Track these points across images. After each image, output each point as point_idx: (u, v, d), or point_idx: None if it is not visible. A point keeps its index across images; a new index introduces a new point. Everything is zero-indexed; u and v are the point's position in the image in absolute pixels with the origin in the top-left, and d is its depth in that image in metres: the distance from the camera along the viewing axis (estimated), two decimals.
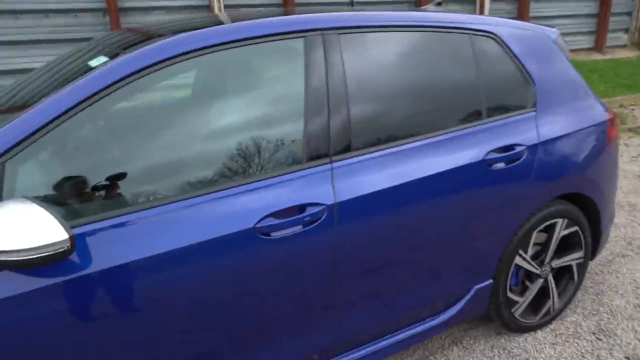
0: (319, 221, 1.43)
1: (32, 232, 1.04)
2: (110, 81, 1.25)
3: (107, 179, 1.26)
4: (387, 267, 1.61)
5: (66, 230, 1.07)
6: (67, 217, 1.20)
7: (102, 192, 1.25)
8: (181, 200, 1.31)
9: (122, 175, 1.28)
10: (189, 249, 1.28)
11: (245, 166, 1.41)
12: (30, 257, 1.04)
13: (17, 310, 1.12)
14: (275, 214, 1.38)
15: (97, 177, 1.25)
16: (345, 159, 1.52)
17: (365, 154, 1.55)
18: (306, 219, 1.42)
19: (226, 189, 1.36)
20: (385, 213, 1.55)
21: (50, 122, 1.19)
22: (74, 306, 1.17)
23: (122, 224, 1.23)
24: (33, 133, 1.17)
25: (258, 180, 1.40)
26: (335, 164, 1.49)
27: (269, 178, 1.41)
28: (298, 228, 1.41)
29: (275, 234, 1.38)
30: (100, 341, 1.22)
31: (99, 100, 1.24)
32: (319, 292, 1.51)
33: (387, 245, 1.58)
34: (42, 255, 1.05)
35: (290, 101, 1.48)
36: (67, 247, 1.07)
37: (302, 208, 1.42)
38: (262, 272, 1.39)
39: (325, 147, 1.48)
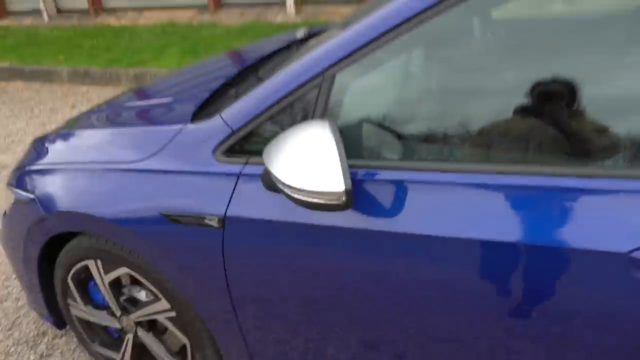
0: None
1: (315, 173, 0.88)
2: None
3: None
4: None
5: (345, 181, 0.86)
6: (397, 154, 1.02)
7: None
8: (508, 173, 0.91)
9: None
10: (501, 246, 0.89)
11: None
12: (305, 199, 0.91)
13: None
14: None
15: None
16: None
17: None
18: None
19: (592, 176, 0.86)
20: None
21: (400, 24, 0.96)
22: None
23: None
24: (369, 43, 0.98)
25: None
26: None
27: None
28: None
29: None
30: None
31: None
32: None
33: None
34: (314, 201, 0.89)
35: None
36: (342, 201, 0.87)
37: None
38: (614, 318, 0.86)
39: None
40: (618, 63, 0.96)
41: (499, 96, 1.03)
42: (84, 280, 1.61)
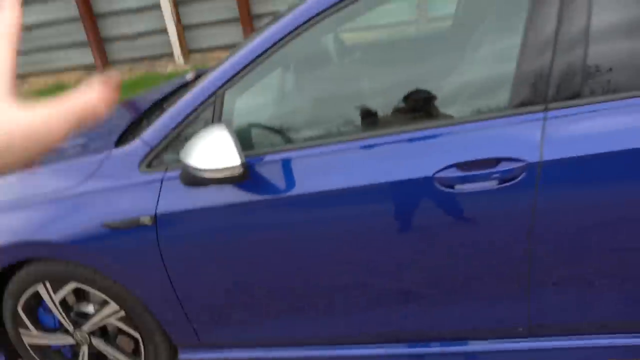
0: (514, 181, 1.23)
1: (219, 156, 1.26)
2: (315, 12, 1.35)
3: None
4: (600, 253, 1.28)
5: (240, 158, 1.26)
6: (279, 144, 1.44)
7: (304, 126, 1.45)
8: (356, 139, 1.36)
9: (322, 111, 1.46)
10: (357, 190, 1.33)
11: (435, 107, 1.33)
12: (212, 177, 1.29)
13: (204, 219, 1.43)
14: (461, 165, 1.26)
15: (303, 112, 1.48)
16: (570, 106, 1.21)
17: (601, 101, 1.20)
18: (495, 175, 1.24)
19: (408, 132, 1.32)
20: (610, 185, 1.19)
21: (261, 54, 1.39)
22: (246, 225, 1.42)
23: (304, 157, 1.39)
24: (245, 67, 1.41)
25: (446, 125, 1.29)
26: (551, 113, 1.22)
27: (459, 124, 1.28)
28: (488, 185, 1.25)
29: (460, 188, 1.27)
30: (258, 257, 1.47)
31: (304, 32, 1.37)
32: (504, 261, 1.34)
33: (605, 228, 1.24)
34: (219, 177, 1.28)
35: (504, 32, 1.29)
36: (240, 173, 1.28)
37: (495, 162, 1.24)
38: (434, 227, 1.32)
39: (541, 90, 1.22)
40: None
41: (339, 97, 1.52)
42: (33, 308, 1.81)
